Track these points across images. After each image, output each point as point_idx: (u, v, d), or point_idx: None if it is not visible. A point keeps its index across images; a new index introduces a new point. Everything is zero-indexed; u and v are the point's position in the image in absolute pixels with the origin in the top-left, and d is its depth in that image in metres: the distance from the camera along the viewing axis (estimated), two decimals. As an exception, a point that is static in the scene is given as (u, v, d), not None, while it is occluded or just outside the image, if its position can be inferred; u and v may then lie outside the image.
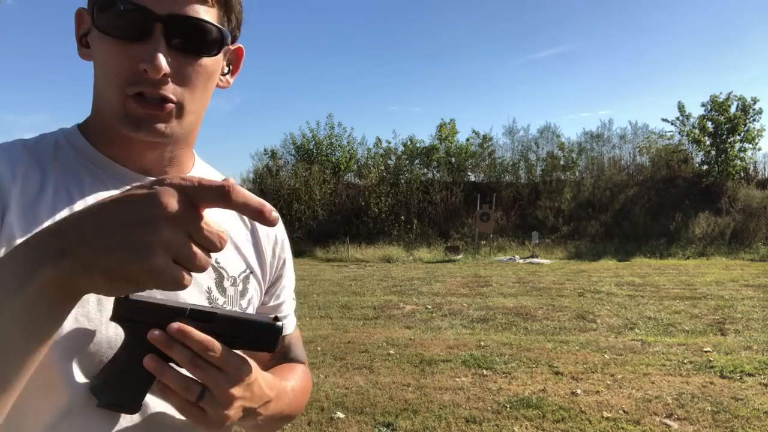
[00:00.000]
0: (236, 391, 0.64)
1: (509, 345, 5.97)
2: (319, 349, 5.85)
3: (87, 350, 0.64)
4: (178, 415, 0.67)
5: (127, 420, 0.66)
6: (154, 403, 0.68)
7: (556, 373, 4.96)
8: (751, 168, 20.99)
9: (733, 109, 19.91)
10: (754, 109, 19.78)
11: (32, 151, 0.72)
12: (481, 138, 22.97)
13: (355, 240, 18.79)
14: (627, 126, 34.53)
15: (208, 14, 0.68)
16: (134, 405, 0.64)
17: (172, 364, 0.63)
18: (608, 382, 4.74)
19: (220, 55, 0.73)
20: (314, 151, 23.41)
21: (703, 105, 20.43)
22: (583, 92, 40.55)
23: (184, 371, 0.63)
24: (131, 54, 0.65)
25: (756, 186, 19.69)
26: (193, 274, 0.73)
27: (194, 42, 0.68)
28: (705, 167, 20.21)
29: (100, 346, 0.65)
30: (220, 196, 0.49)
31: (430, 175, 22.67)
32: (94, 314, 0.65)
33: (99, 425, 0.65)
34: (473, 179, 22.94)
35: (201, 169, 0.85)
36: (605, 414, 4.02)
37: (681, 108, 20.78)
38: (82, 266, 0.47)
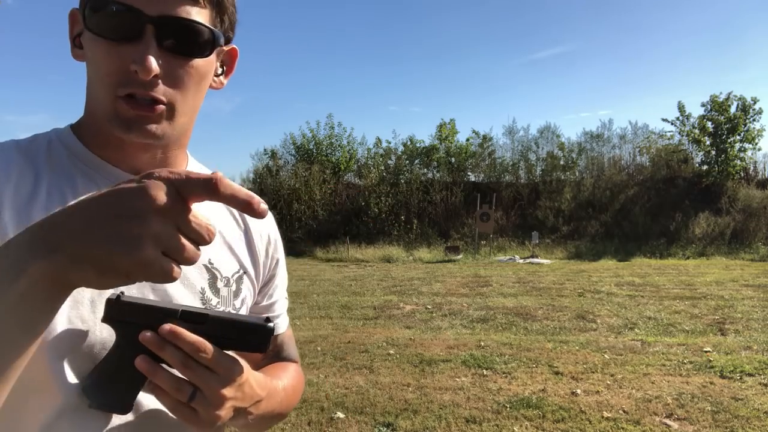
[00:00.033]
0: (227, 391, 0.65)
1: (509, 345, 5.96)
2: (319, 349, 5.85)
3: (81, 351, 0.65)
4: (172, 414, 0.68)
5: (121, 419, 0.66)
6: (147, 401, 0.68)
7: (556, 373, 4.96)
8: (751, 168, 20.99)
9: (733, 109, 19.91)
10: (754, 109, 19.78)
11: (25, 151, 0.72)
12: (481, 138, 22.99)
13: (355, 240, 18.79)
14: (627, 126, 34.60)
15: (199, 15, 0.68)
16: (126, 406, 0.65)
17: (163, 365, 0.63)
18: (608, 382, 4.74)
19: (213, 56, 0.72)
20: (314, 151, 23.41)
21: (703, 105, 20.45)
22: (583, 92, 40.59)
23: (175, 372, 0.63)
24: (122, 55, 0.65)
25: (756, 186, 19.69)
26: (187, 275, 0.75)
27: (186, 43, 0.67)
28: (705, 167, 20.21)
29: (94, 347, 0.65)
30: (208, 188, 0.49)
31: (430, 175, 22.67)
32: (88, 316, 0.65)
33: (94, 425, 0.65)
34: (473, 179, 22.95)
35: (194, 169, 0.85)
36: (605, 414, 4.02)
37: (681, 108, 20.79)
38: (73, 259, 0.47)
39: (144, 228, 0.47)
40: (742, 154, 20.02)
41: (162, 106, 0.67)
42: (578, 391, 4.49)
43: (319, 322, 7.28)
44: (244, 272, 0.84)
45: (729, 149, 19.69)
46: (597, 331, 6.64)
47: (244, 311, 0.84)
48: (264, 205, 0.52)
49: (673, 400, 4.28)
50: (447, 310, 8.01)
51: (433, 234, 19.74)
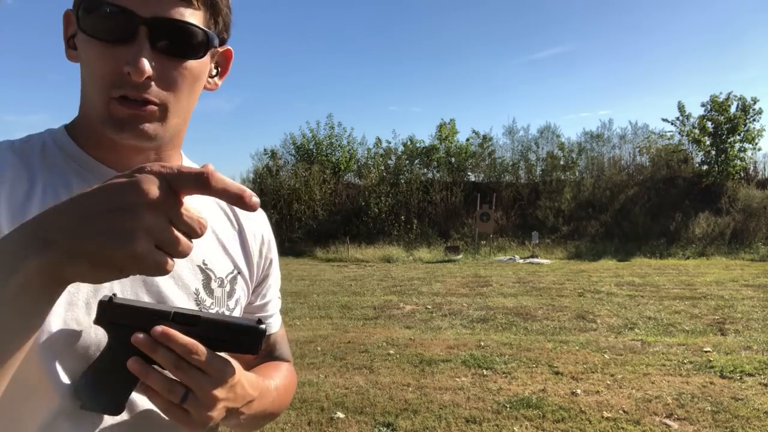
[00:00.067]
0: (219, 392, 0.65)
1: (509, 345, 5.96)
2: (319, 349, 5.85)
3: (76, 352, 0.65)
4: (164, 415, 0.68)
5: (118, 419, 0.67)
6: (143, 401, 0.68)
7: (556, 373, 4.96)
8: (751, 168, 20.99)
9: (733, 109, 19.91)
10: (754, 109, 19.78)
11: (20, 152, 0.72)
12: (481, 138, 22.99)
13: (355, 240, 18.79)
14: (627, 126, 34.59)
15: (193, 17, 0.68)
16: (117, 407, 0.65)
17: (155, 366, 0.63)
18: (608, 382, 4.74)
19: (207, 58, 0.72)
20: (314, 151, 23.41)
21: (703, 105, 20.45)
22: (583, 92, 40.58)
23: (167, 373, 0.64)
24: (115, 56, 0.65)
25: (756, 186, 19.69)
26: (181, 276, 0.75)
27: (179, 45, 0.67)
28: (705, 167, 20.20)
29: (89, 349, 0.66)
30: (200, 182, 0.49)
31: (430, 175, 22.67)
32: (83, 317, 0.66)
33: (91, 426, 0.65)
34: (473, 179, 22.95)
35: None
36: (605, 414, 4.02)
37: (681, 108, 20.79)
38: (67, 254, 0.48)
39: (137, 222, 0.48)
40: (742, 154, 20.03)
41: (154, 107, 0.67)
42: (578, 391, 4.49)
43: (319, 322, 7.28)
44: (238, 273, 0.84)
45: (729, 149, 19.69)
46: (597, 331, 6.64)
47: (238, 311, 0.84)
48: (255, 198, 0.52)
49: (673, 400, 4.28)
50: (447, 310, 8.01)
51: (433, 234, 19.74)
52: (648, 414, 4.02)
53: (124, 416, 0.67)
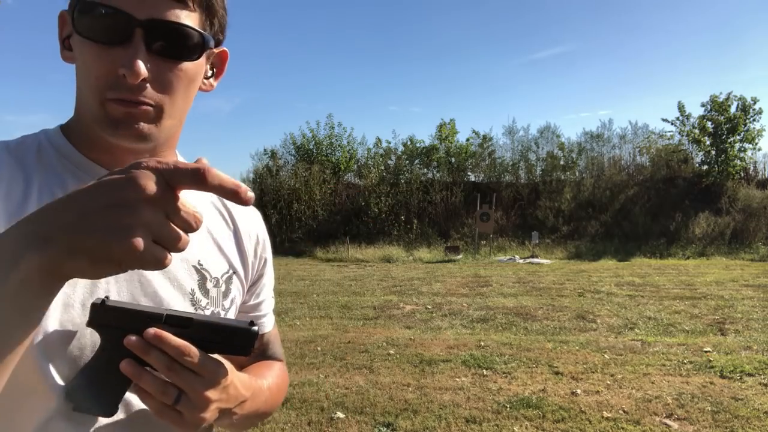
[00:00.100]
0: (212, 394, 0.66)
1: (509, 345, 5.97)
2: (319, 349, 5.85)
3: (72, 354, 0.65)
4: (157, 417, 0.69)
5: (113, 419, 0.67)
6: (137, 400, 0.69)
7: (556, 373, 4.96)
8: (751, 168, 20.99)
9: (733, 109, 19.91)
10: (754, 109, 19.78)
11: (15, 153, 0.72)
12: (481, 138, 22.99)
13: (355, 240, 18.78)
14: (627, 126, 34.59)
15: (189, 19, 0.68)
16: (111, 409, 0.65)
17: (148, 368, 0.64)
18: (608, 382, 4.74)
19: (202, 59, 0.72)
20: (314, 151, 23.41)
21: (703, 105, 20.45)
22: (583, 92, 40.59)
23: (160, 375, 0.64)
24: (111, 58, 0.65)
25: (756, 186, 19.69)
26: (177, 276, 0.76)
27: (175, 47, 0.67)
28: (705, 167, 20.21)
29: (85, 350, 0.66)
30: (196, 178, 0.50)
31: (430, 175, 22.67)
32: (79, 318, 0.66)
33: (86, 426, 0.66)
34: (473, 179, 22.94)
35: None
36: (605, 414, 4.02)
37: (681, 108, 20.79)
38: (66, 250, 0.48)
39: (135, 217, 0.48)
40: (742, 154, 20.03)
41: (149, 107, 0.67)
42: (578, 391, 4.49)
43: (319, 322, 7.28)
44: (234, 272, 0.85)
45: (729, 149, 19.69)
46: (597, 331, 6.64)
47: (233, 311, 0.85)
48: (251, 193, 0.52)
49: (673, 400, 4.28)
50: (447, 310, 8.01)
51: (433, 234, 19.74)
52: (648, 414, 4.03)
53: (120, 416, 0.68)
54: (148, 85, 0.66)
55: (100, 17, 0.64)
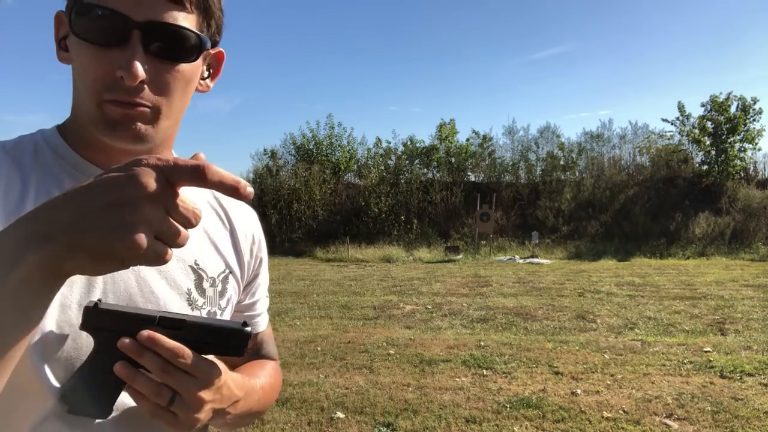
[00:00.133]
0: (206, 394, 0.66)
1: (509, 345, 5.96)
2: (319, 349, 5.85)
3: (69, 354, 0.66)
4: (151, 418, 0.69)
5: (109, 419, 0.68)
6: (131, 401, 0.69)
7: (556, 373, 4.96)
8: (751, 168, 20.99)
9: (733, 109, 19.92)
10: (754, 109, 19.78)
11: (12, 153, 0.72)
12: (481, 138, 22.98)
13: (355, 240, 18.78)
14: (627, 126, 34.58)
15: (186, 21, 0.68)
16: (105, 411, 0.66)
17: (142, 370, 0.64)
18: (608, 382, 4.74)
19: (199, 61, 0.72)
20: (314, 151, 23.41)
21: (702, 105, 20.45)
22: (583, 92, 40.58)
23: (154, 377, 0.64)
24: (108, 60, 0.65)
25: (756, 186, 19.69)
26: (173, 276, 0.76)
27: (172, 49, 0.67)
28: (705, 167, 20.21)
29: (81, 351, 0.66)
30: (196, 175, 0.50)
31: (430, 175, 22.67)
32: (76, 320, 0.66)
33: (82, 426, 0.66)
34: (473, 179, 22.94)
35: None
36: (605, 414, 4.02)
37: (681, 108, 20.79)
38: (68, 248, 0.48)
39: (137, 215, 0.48)
40: (742, 154, 20.03)
41: (146, 108, 0.67)
42: (578, 391, 4.49)
43: (319, 322, 7.28)
44: (230, 272, 0.85)
45: (729, 149, 19.69)
46: (597, 331, 6.64)
47: (229, 310, 0.85)
48: (250, 189, 0.52)
49: (673, 400, 4.28)
50: (447, 310, 8.01)
51: (433, 234, 19.74)
52: (648, 414, 4.02)
53: (115, 417, 0.68)
54: (145, 86, 0.66)
55: (98, 19, 0.64)
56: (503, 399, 4.33)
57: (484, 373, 5.02)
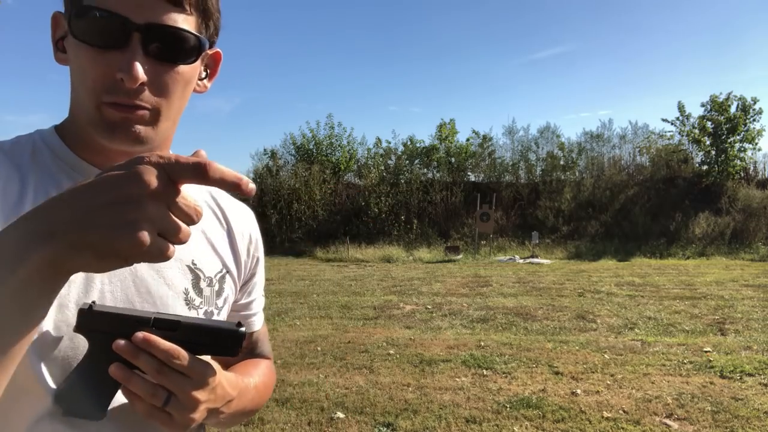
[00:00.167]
0: (201, 395, 0.67)
1: (509, 345, 5.96)
2: (319, 349, 5.85)
3: (66, 355, 0.66)
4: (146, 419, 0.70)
5: (104, 421, 0.68)
6: (125, 399, 0.69)
7: (556, 373, 4.96)
8: (751, 168, 20.99)
9: (733, 109, 19.92)
10: (754, 109, 19.78)
11: (10, 153, 0.72)
12: (481, 138, 22.99)
13: (355, 240, 18.78)
14: (627, 126, 34.58)
15: (186, 23, 0.68)
16: (100, 413, 0.66)
17: (136, 371, 0.65)
18: (608, 382, 4.74)
19: (198, 62, 0.73)
20: (314, 151, 23.41)
21: (702, 105, 20.46)
22: (583, 92, 40.59)
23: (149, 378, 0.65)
24: (108, 62, 0.65)
25: (756, 186, 19.68)
26: (171, 276, 0.76)
27: (172, 51, 0.68)
28: (705, 167, 20.21)
29: (78, 351, 0.67)
30: (198, 172, 0.50)
31: (430, 175, 22.67)
32: (73, 320, 0.66)
33: (79, 426, 0.67)
34: (473, 179, 22.94)
35: None
36: (605, 414, 4.02)
37: (681, 108, 20.79)
38: (71, 246, 0.48)
39: (140, 212, 0.48)
40: (742, 154, 20.03)
41: (146, 111, 0.68)
42: (578, 391, 4.49)
43: (319, 322, 7.28)
44: (227, 272, 0.85)
45: (729, 149, 19.69)
46: (597, 331, 6.64)
47: (226, 310, 0.86)
48: (252, 185, 0.52)
49: (673, 400, 4.28)
50: (447, 310, 8.01)
51: (433, 234, 19.74)
52: (648, 414, 4.02)
53: (111, 417, 0.68)
54: (145, 88, 0.66)
55: (97, 21, 0.64)
56: (503, 399, 4.33)
57: (484, 373, 5.02)
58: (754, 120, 19.82)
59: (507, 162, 22.73)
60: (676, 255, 16.60)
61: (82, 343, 0.66)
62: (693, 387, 4.58)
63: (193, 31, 0.69)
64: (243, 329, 0.69)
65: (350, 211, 21.30)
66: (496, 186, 21.38)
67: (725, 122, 19.71)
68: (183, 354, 0.64)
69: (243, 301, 0.92)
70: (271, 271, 12.88)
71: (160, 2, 0.66)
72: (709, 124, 19.93)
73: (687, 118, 20.69)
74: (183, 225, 0.52)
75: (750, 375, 4.81)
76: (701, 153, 20.61)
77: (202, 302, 0.80)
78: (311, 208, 21.20)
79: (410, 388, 4.59)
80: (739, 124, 19.55)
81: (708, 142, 20.10)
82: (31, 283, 0.49)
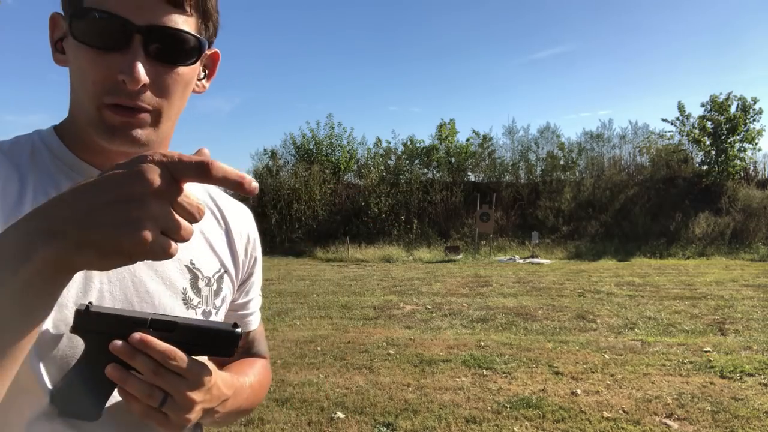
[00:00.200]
0: (197, 395, 0.68)
1: (509, 345, 5.96)
2: (319, 349, 5.85)
3: (65, 354, 0.66)
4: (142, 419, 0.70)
5: (101, 420, 0.68)
6: (122, 402, 0.70)
7: (556, 373, 4.96)
8: (751, 168, 20.99)
9: (733, 109, 19.92)
10: (754, 109, 19.78)
11: (9, 154, 0.72)
12: (481, 138, 22.99)
13: (355, 240, 18.78)
14: (627, 126, 34.56)
15: (186, 24, 0.68)
16: (95, 414, 0.66)
17: (133, 372, 0.65)
18: (608, 382, 4.74)
19: (198, 63, 0.73)
20: (314, 151, 23.41)
21: (702, 105, 20.46)
22: (583, 92, 40.60)
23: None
24: (109, 64, 0.65)
25: (756, 186, 19.68)
26: (169, 276, 0.77)
27: (173, 52, 0.68)
28: (705, 167, 20.21)
29: (76, 350, 0.67)
30: (201, 170, 0.50)
31: (430, 175, 22.67)
32: (71, 319, 0.66)
33: (76, 426, 0.67)
34: (473, 179, 22.94)
35: None
36: (605, 414, 4.02)
37: (681, 108, 20.79)
38: (77, 245, 0.48)
39: (144, 211, 0.48)
40: (742, 154, 20.03)
41: (147, 113, 0.68)
42: (578, 391, 4.49)
43: (319, 322, 7.28)
44: (225, 271, 0.86)
45: (729, 149, 19.70)
46: (597, 331, 6.64)
47: (224, 309, 0.86)
48: (255, 184, 0.52)
49: (673, 400, 4.28)
50: (447, 310, 8.01)
51: (433, 234, 19.74)
52: (648, 414, 4.02)
53: (108, 416, 0.69)
54: (147, 89, 0.67)
55: (98, 22, 0.64)
56: (503, 399, 4.33)
57: (484, 373, 5.02)
58: (754, 120, 19.84)
59: (507, 162, 22.74)
60: (676, 255, 16.60)
61: (80, 343, 0.66)
62: (693, 387, 4.57)
63: (194, 33, 0.69)
64: (239, 330, 0.69)
65: (350, 211, 21.30)
66: (496, 186, 21.38)
67: (725, 122, 19.71)
68: (179, 355, 0.65)
69: (240, 301, 0.93)
70: (271, 271, 12.87)
71: (161, 4, 0.66)
72: (709, 124, 19.93)
73: (687, 118, 20.71)
74: (186, 223, 0.52)
75: (750, 375, 4.81)
76: (701, 153, 20.62)
77: (200, 302, 0.80)
78: (311, 208, 21.20)
79: (410, 388, 4.59)
80: (739, 124, 19.55)
81: (708, 142, 20.10)
82: (34, 283, 0.49)
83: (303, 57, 44.97)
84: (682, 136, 21.01)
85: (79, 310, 0.64)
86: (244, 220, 0.92)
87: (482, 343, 6.03)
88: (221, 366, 0.80)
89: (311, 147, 23.51)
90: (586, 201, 20.48)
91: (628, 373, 4.96)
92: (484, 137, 22.92)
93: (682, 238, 17.83)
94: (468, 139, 23.11)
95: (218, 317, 0.84)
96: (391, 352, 5.71)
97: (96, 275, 0.70)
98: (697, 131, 20.22)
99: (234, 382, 0.78)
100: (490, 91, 41.02)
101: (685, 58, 41.14)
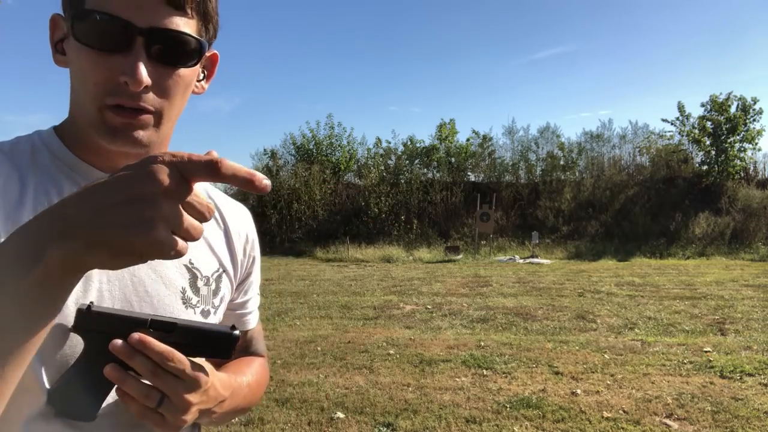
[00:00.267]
0: (194, 397, 0.68)
1: (509, 345, 5.96)
2: (319, 349, 5.85)
3: (64, 353, 0.67)
4: (139, 419, 0.70)
5: (99, 420, 0.68)
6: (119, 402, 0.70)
7: (556, 373, 4.96)
8: (751, 168, 20.99)
9: (733, 109, 19.92)
10: (754, 109, 19.78)
11: (9, 154, 0.72)
12: (481, 138, 22.99)
13: (355, 240, 18.78)
14: (627, 126, 34.56)
15: (187, 26, 0.69)
16: (91, 414, 0.66)
17: (131, 372, 0.65)
18: (608, 382, 4.74)
19: (198, 65, 0.74)
20: (314, 151, 23.41)
21: (702, 105, 20.46)
22: (583, 92, 40.60)
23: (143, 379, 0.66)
24: (111, 65, 0.65)
25: (756, 186, 19.69)
26: (168, 275, 0.77)
27: (174, 54, 0.68)
28: (705, 167, 20.21)
29: (76, 349, 0.67)
30: (210, 169, 0.50)
31: (430, 175, 22.67)
32: (72, 319, 0.66)
33: (75, 426, 0.67)
34: (473, 179, 22.94)
35: None
36: (605, 414, 4.02)
37: (681, 108, 20.79)
38: (88, 245, 0.48)
39: (155, 211, 0.49)
40: (742, 154, 20.03)
41: (149, 115, 0.68)
42: (578, 391, 4.49)
43: (319, 322, 7.28)
44: (224, 271, 0.86)
45: (729, 149, 19.70)
46: (597, 331, 6.64)
47: (222, 309, 0.86)
48: (266, 181, 0.52)
49: (673, 400, 4.28)
50: (447, 310, 8.01)
51: (433, 234, 19.74)
52: (648, 414, 4.03)
53: (104, 416, 0.69)
54: (149, 90, 0.67)
55: (100, 24, 0.64)
56: (503, 399, 4.33)
57: (484, 373, 5.02)
58: (754, 120, 19.84)
59: (507, 162, 22.74)
60: (676, 255, 16.60)
61: (80, 343, 0.66)
62: (693, 387, 4.58)
63: (195, 35, 0.70)
64: (237, 332, 0.70)
65: (350, 211, 21.30)
66: (496, 186, 21.39)
67: (725, 122, 19.71)
68: (177, 356, 0.65)
69: (239, 300, 0.93)
70: (271, 271, 12.88)
71: (162, 6, 0.66)
72: (709, 124, 19.93)
73: (687, 118, 20.70)
74: (196, 222, 0.52)
75: (750, 375, 4.81)
76: (701, 153, 20.62)
77: (199, 301, 0.80)
78: (311, 208, 21.21)
79: (410, 388, 4.59)
80: (739, 124, 19.55)
81: (708, 142, 20.10)
82: (45, 284, 0.49)
83: (303, 57, 44.99)
84: (682, 136, 21.03)
85: (81, 309, 0.64)
86: (242, 220, 0.93)
87: (482, 343, 6.03)
88: (219, 365, 0.81)
89: (311, 147, 23.51)
90: (586, 201, 20.48)
91: (628, 373, 4.96)
92: (484, 137, 22.93)
93: (682, 238, 17.83)
94: (468, 139, 23.13)
95: (217, 316, 0.84)
96: (391, 352, 5.71)
97: (96, 275, 0.70)
98: (697, 131, 20.22)
99: (231, 383, 0.79)
100: (490, 91, 41.06)
101: (685, 58, 41.19)
